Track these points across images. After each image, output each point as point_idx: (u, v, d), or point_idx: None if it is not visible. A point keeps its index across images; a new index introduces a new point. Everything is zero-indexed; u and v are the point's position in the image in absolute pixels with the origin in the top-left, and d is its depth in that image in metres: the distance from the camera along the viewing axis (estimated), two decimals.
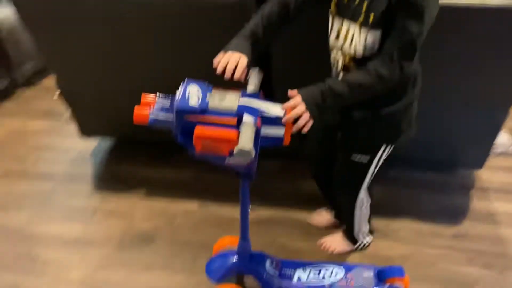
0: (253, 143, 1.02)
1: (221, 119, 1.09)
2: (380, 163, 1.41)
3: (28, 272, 1.67)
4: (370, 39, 1.15)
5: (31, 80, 3.05)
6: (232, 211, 1.78)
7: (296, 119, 1.10)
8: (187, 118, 1.07)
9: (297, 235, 1.86)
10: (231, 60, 1.12)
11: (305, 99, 1.11)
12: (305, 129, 1.11)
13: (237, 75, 1.12)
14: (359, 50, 1.19)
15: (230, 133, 1.05)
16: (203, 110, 1.08)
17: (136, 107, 1.11)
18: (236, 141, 1.02)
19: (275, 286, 1.44)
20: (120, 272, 1.70)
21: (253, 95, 1.17)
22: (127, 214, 1.97)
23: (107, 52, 1.79)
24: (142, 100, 1.14)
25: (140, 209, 2.00)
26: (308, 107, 1.11)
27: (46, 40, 1.82)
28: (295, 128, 1.11)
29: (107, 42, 1.75)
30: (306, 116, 1.10)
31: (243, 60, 1.13)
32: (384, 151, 1.38)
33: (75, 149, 2.40)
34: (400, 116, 1.32)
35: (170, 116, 1.10)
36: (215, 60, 1.13)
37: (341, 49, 1.24)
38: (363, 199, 1.55)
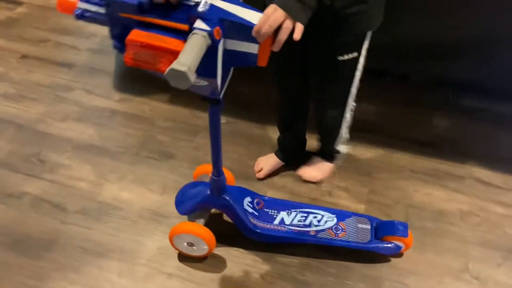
0: (204, 62, 0.77)
1: (167, 23, 0.82)
2: (365, 54, 1.19)
3: (35, 176, 1.61)
4: None
5: None
6: (262, 129, 1.74)
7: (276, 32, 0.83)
8: (121, 15, 0.81)
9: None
10: None
11: (278, 4, 0.82)
12: (296, 35, 0.84)
13: None
14: None
15: (171, 43, 0.79)
16: (143, 7, 0.81)
17: None
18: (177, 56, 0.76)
19: (249, 225, 1.25)
20: (132, 190, 1.57)
21: None
22: (148, 121, 1.81)
23: None
24: None
25: (162, 117, 1.82)
26: (289, 11, 0.82)
27: None
28: (277, 43, 0.84)
29: None
30: (288, 23, 0.82)
31: None
32: (367, 38, 1.16)
33: (98, 35, 2.22)
34: None
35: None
36: None
37: None
38: (352, 102, 1.33)
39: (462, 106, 1.85)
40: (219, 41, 0.81)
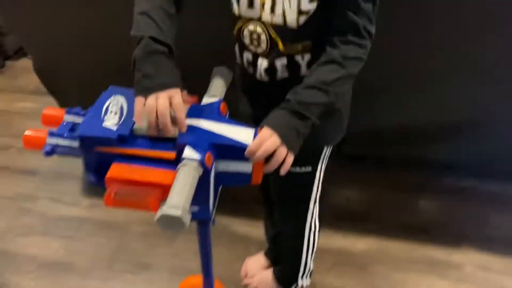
0: (197, 197, 0.70)
1: (151, 153, 0.74)
2: (324, 168, 1.10)
3: None
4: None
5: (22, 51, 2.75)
6: (249, 226, 1.65)
7: (270, 157, 0.78)
8: (98, 149, 0.74)
9: None
10: (160, 110, 0.74)
11: (275, 129, 0.78)
12: (286, 167, 0.80)
13: (181, 127, 0.77)
14: (291, 18, 0.83)
15: (159, 175, 0.72)
16: (122, 138, 0.74)
17: (30, 130, 0.78)
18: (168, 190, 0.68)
19: None
20: None
21: (209, 109, 0.82)
22: (120, 227, 1.68)
23: (84, 27, 1.46)
24: (43, 115, 0.81)
25: (136, 221, 1.70)
26: (283, 138, 0.78)
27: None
28: (269, 168, 0.79)
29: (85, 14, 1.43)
30: (282, 152, 0.78)
31: (177, 97, 0.76)
32: (326, 152, 1.08)
33: None
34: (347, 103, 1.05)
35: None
36: (136, 118, 0.76)
37: (260, 19, 0.86)
38: (313, 221, 1.21)
39: (446, 186, 1.83)
40: (211, 168, 0.74)
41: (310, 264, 1.32)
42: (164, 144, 0.76)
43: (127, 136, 0.75)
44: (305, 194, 1.14)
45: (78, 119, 0.82)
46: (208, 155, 0.74)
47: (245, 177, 0.80)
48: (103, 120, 0.77)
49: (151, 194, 0.71)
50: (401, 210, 1.73)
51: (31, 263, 1.53)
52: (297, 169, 1.05)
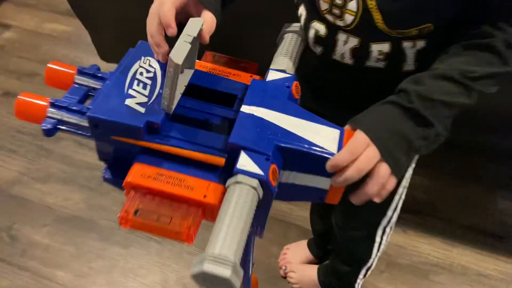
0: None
1: (190, 153, 0.51)
2: (411, 173, 0.88)
3: (2, 260, 1.29)
4: None
5: None
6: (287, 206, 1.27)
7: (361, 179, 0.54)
8: (116, 139, 0.51)
9: None
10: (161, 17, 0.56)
11: (375, 137, 0.53)
12: (383, 195, 0.56)
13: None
14: None
15: (201, 188, 0.50)
16: (152, 127, 0.51)
17: (24, 96, 0.56)
18: (215, 211, 0.47)
19: None
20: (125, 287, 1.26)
21: (276, 91, 0.57)
22: None
23: None
24: (47, 70, 0.59)
25: None
26: (386, 153, 0.53)
27: None
28: (359, 197, 0.56)
29: None
30: (383, 170, 0.53)
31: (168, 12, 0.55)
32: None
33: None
34: None
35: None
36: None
37: None
38: (388, 226, 0.98)
39: None
40: (275, 188, 0.50)
41: (372, 268, 1.11)
42: (211, 141, 0.53)
43: (159, 124, 0.52)
44: (384, 204, 0.90)
45: (95, 84, 0.59)
46: (273, 168, 0.50)
47: (317, 194, 0.57)
48: (126, 95, 0.53)
49: (188, 217, 0.49)
50: (475, 207, 1.47)
51: (47, 215, 1.38)
52: None
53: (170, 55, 0.48)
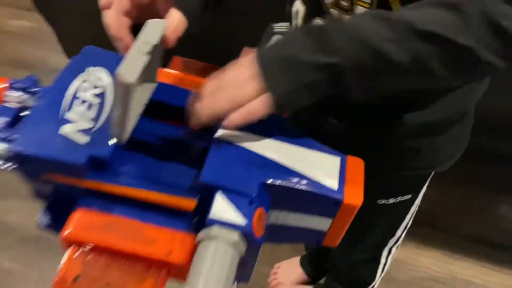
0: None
1: (150, 195, 0.39)
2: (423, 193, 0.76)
3: None
4: None
5: None
6: None
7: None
8: (49, 178, 0.39)
9: None
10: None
11: (264, 60, 0.42)
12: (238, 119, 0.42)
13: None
14: None
15: (163, 244, 0.39)
16: (98, 163, 0.39)
17: None
18: (184, 271, 0.37)
19: None
20: None
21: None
22: None
23: None
24: None
25: None
26: (268, 78, 0.41)
27: None
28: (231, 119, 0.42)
29: None
30: (257, 103, 0.41)
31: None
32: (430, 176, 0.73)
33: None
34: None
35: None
36: None
37: None
38: (394, 247, 0.89)
39: None
40: (261, 239, 0.39)
41: (376, 286, 1.01)
42: (182, 174, 0.41)
43: (107, 159, 0.39)
44: (395, 224, 0.80)
45: (30, 101, 0.46)
46: (258, 214, 0.38)
47: (313, 236, 0.46)
48: (63, 120, 0.41)
49: (146, 282, 0.37)
50: (480, 216, 1.37)
51: (8, 235, 1.25)
52: (390, 201, 0.69)
53: (118, 71, 0.36)
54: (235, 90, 0.41)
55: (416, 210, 0.78)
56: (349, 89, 0.41)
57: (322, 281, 1.19)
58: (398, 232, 0.82)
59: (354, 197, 0.41)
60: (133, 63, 0.37)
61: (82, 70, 0.44)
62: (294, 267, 1.17)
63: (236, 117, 0.40)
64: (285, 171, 0.41)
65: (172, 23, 0.44)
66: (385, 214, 0.74)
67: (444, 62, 0.39)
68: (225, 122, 0.41)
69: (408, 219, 0.78)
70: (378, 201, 0.71)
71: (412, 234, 1.28)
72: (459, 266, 1.26)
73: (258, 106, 0.40)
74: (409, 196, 0.71)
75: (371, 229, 0.81)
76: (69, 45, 1.54)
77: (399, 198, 0.70)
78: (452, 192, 1.43)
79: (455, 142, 0.65)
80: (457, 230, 1.33)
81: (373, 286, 0.98)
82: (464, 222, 1.35)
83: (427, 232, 1.31)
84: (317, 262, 1.14)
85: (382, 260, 0.89)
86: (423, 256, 1.28)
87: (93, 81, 0.44)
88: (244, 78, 0.41)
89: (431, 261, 1.27)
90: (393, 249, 0.88)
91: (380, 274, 0.94)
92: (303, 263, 1.16)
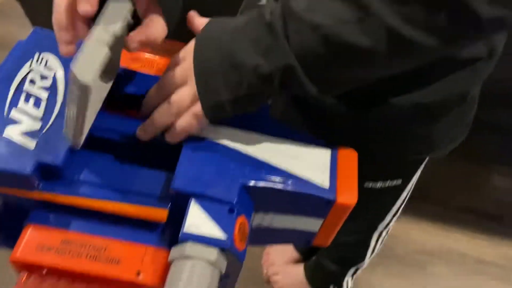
0: None
1: (115, 206, 0.34)
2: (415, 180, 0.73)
3: None
4: None
5: None
6: None
7: None
8: None
9: None
10: None
11: (201, 47, 0.37)
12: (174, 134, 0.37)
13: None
14: None
15: (128, 264, 0.34)
16: (48, 171, 0.34)
17: None
18: None
19: None
20: None
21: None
22: None
23: None
24: None
25: None
26: (201, 84, 0.36)
27: None
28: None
29: None
30: (188, 117, 0.37)
31: None
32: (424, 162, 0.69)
33: None
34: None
35: None
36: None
37: None
38: (385, 231, 0.86)
39: None
40: (243, 254, 0.34)
41: (363, 267, 0.98)
42: (151, 180, 0.35)
43: (59, 166, 0.33)
44: (385, 209, 0.76)
45: None
46: (239, 224, 0.33)
47: (303, 237, 0.41)
48: (7, 120, 0.34)
49: None
50: (472, 186, 1.35)
51: None
52: (378, 184, 0.64)
53: (73, 69, 0.29)
54: (173, 100, 0.36)
55: (408, 196, 0.74)
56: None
57: (314, 258, 1.17)
58: (388, 217, 0.78)
59: (348, 195, 0.36)
60: (91, 58, 0.30)
61: (30, 57, 0.38)
62: (287, 247, 1.14)
63: (171, 136, 0.37)
64: (269, 170, 0.36)
65: (154, 33, 0.37)
66: (373, 198, 0.70)
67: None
68: (167, 138, 0.37)
69: (398, 205, 0.74)
70: (365, 184, 0.67)
71: (406, 209, 1.26)
72: (454, 238, 1.24)
73: (189, 120, 0.36)
74: (399, 181, 0.67)
75: (359, 213, 0.78)
76: (37, 20, 1.45)
77: (388, 183, 0.65)
78: (444, 163, 1.40)
79: (454, 128, 0.60)
80: (450, 203, 1.30)
81: (362, 265, 0.96)
82: (457, 194, 1.33)
83: (420, 205, 1.29)
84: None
85: (372, 243, 0.86)
86: (417, 230, 1.25)
87: (41, 70, 0.37)
88: (178, 82, 0.37)
89: (425, 235, 1.24)
90: (383, 233, 0.84)
91: (370, 256, 0.92)
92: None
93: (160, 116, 0.37)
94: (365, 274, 1.16)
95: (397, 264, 1.19)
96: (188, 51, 0.37)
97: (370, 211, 0.78)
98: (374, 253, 0.92)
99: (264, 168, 0.36)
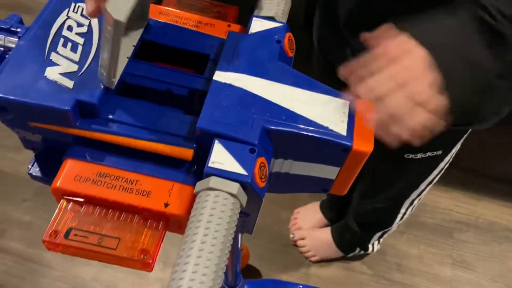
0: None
1: (145, 144, 0.37)
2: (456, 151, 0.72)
3: None
4: None
5: None
6: None
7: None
8: (36, 125, 0.37)
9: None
10: None
11: (432, 47, 0.37)
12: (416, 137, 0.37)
13: None
14: None
15: (160, 194, 0.37)
16: (86, 108, 0.37)
17: None
18: (182, 222, 0.35)
19: None
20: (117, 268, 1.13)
21: (262, 47, 0.42)
22: None
23: None
24: None
25: None
26: (448, 72, 0.36)
27: None
28: (389, 137, 0.38)
29: None
30: (432, 103, 0.36)
31: None
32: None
33: None
34: None
35: None
36: None
37: None
38: (417, 200, 0.87)
39: None
40: (263, 190, 0.36)
41: (390, 232, 1.00)
42: (178, 121, 0.38)
43: (95, 103, 0.36)
44: (420, 178, 0.76)
45: (11, 41, 0.43)
46: (260, 163, 0.35)
47: (320, 185, 0.43)
48: (47, 62, 0.38)
49: (143, 236, 0.35)
50: (499, 154, 1.32)
51: (25, 188, 1.26)
52: (418, 155, 0.66)
53: (107, 7, 0.32)
54: (410, 89, 0.35)
55: (445, 167, 0.74)
56: None
57: (342, 221, 1.19)
58: (422, 186, 0.79)
59: (364, 143, 0.38)
60: None
61: (68, 5, 0.41)
62: (314, 212, 1.16)
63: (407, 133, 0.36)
64: (290, 116, 0.38)
65: None
66: (411, 168, 0.71)
67: None
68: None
69: (434, 175, 0.75)
70: (406, 155, 0.68)
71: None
72: (482, 207, 1.23)
73: (428, 116, 0.36)
74: (440, 152, 0.67)
75: (394, 181, 0.79)
76: None
77: (428, 154, 0.66)
78: (475, 130, 1.38)
79: (500, 97, 0.59)
80: (480, 170, 1.29)
81: (389, 229, 0.97)
82: (487, 162, 1.31)
83: (449, 172, 1.28)
84: (336, 207, 1.12)
85: (402, 210, 0.87)
86: (445, 198, 1.25)
87: (77, 18, 0.40)
88: (417, 74, 0.36)
89: (454, 203, 1.24)
90: (415, 202, 0.85)
91: (399, 221, 0.93)
92: (322, 208, 1.15)
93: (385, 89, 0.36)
94: (392, 240, 1.18)
95: (424, 230, 1.20)
96: (407, 51, 0.37)
97: (406, 179, 0.79)
98: (402, 220, 0.93)
99: (285, 114, 0.38)
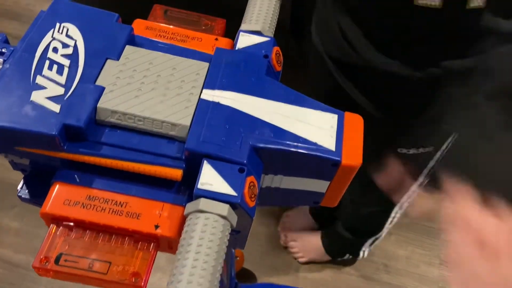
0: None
1: (134, 166, 0.37)
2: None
3: None
4: None
5: None
6: None
7: None
8: (22, 149, 0.37)
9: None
10: None
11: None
12: None
13: None
14: None
15: (150, 216, 0.37)
16: (73, 132, 0.36)
17: None
18: (173, 243, 0.36)
19: None
20: None
21: (249, 63, 0.42)
22: None
23: None
24: None
25: None
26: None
27: None
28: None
29: None
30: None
31: None
32: None
33: None
34: None
35: None
36: None
37: None
38: (408, 201, 0.86)
39: None
40: (253, 210, 0.36)
41: (381, 239, 1.01)
42: (166, 142, 0.38)
43: (82, 128, 0.36)
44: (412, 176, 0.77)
45: None
46: (250, 182, 0.35)
47: (311, 198, 0.43)
48: (33, 86, 0.37)
49: (134, 258, 0.35)
50: None
51: (14, 193, 1.25)
52: (411, 151, 0.66)
53: None
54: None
55: (435, 166, 0.75)
56: None
57: (332, 228, 1.20)
58: (413, 188, 0.79)
59: (353, 157, 0.38)
60: None
61: (52, 26, 0.40)
62: (303, 215, 1.17)
63: None
64: (278, 133, 0.38)
65: None
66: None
67: None
68: None
69: (424, 174, 0.75)
70: (399, 150, 0.69)
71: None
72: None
73: None
74: (431, 148, 0.67)
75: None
76: None
77: (420, 150, 0.67)
78: None
79: None
80: None
81: (380, 235, 0.98)
82: None
83: None
84: (326, 210, 1.13)
85: (393, 215, 0.88)
86: (431, 198, 1.27)
87: (62, 39, 0.40)
88: None
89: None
90: (405, 205, 0.86)
91: (388, 226, 0.94)
92: (312, 211, 1.16)
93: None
94: (380, 244, 1.19)
95: (411, 231, 1.21)
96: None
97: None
98: (392, 224, 0.94)
99: (273, 131, 0.38)
